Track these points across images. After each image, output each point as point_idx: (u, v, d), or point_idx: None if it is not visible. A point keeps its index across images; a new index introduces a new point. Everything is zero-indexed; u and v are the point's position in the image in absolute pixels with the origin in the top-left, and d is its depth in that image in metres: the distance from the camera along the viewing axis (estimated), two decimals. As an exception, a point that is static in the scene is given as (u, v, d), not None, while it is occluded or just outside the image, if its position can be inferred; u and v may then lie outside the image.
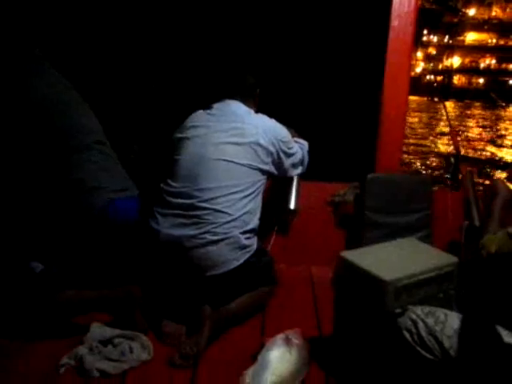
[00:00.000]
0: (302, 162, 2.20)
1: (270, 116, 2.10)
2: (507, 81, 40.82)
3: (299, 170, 2.21)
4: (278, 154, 2.01)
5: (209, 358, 1.71)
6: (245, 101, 2.06)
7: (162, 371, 1.64)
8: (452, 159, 2.55)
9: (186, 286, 1.86)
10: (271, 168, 2.00)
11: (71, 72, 1.94)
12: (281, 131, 2.06)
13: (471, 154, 12.91)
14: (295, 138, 2.19)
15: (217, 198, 1.83)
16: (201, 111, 2.07)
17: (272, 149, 1.97)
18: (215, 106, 2.05)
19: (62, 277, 1.78)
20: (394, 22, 2.40)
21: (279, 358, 1.64)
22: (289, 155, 2.07)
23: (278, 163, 2.03)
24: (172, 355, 1.69)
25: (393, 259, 1.65)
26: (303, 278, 2.39)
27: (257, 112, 2.11)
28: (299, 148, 2.17)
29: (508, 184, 1.71)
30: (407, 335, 1.31)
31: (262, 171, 1.96)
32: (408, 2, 2.37)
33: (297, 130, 2.31)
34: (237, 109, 2.01)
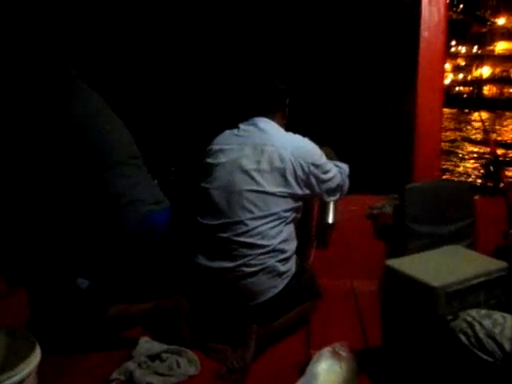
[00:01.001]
0: (340, 188, 2.07)
1: (302, 132, 2.03)
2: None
3: (337, 197, 2.08)
4: (309, 179, 1.90)
5: (256, 371, 1.73)
6: (273, 115, 2.00)
7: (209, 385, 1.64)
8: (491, 167, 2.50)
9: (229, 314, 1.87)
10: (305, 191, 1.91)
11: (110, 94, 2.00)
12: (312, 153, 1.94)
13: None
14: (335, 162, 2.09)
15: (249, 231, 1.80)
16: (228, 132, 2.03)
17: (300, 173, 1.87)
18: (242, 126, 2.00)
19: (108, 291, 1.81)
20: (424, 33, 2.41)
21: (327, 370, 1.62)
22: (322, 180, 1.95)
23: (310, 188, 1.93)
24: (219, 370, 1.71)
25: (440, 266, 1.64)
26: (345, 291, 2.38)
27: (286, 123, 2.07)
28: (338, 172, 2.04)
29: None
30: (463, 338, 1.28)
31: (295, 197, 1.89)
32: (438, 11, 2.38)
33: (332, 144, 2.28)
34: (265, 128, 1.94)
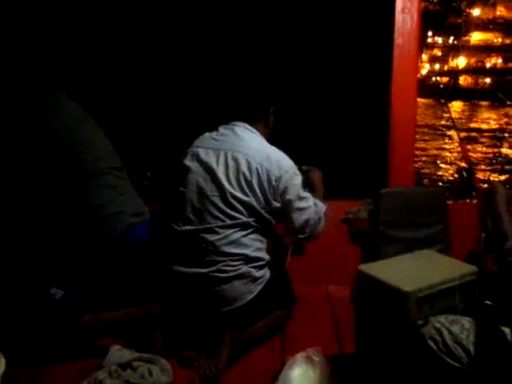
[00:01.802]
0: (309, 227, 1.95)
1: (277, 141, 1.95)
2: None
3: (304, 234, 1.96)
4: (275, 194, 1.84)
5: (229, 379, 1.72)
6: (254, 122, 1.96)
7: (182, 394, 1.61)
8: (464, 173, 2.53)
9: (203, 319, 1.86)
10: (273, 205, 1.84)
11: (84, 98, 1.97)
12: (283, 168, 1.85)
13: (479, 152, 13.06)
14: (315, 200, 2.00)
15: (221, 239, 1.79)
16: (207, 134, 2.00)
17: (266, 186, 1.82)
18: (221, 129, 1.97)
19: (81, 302, 1.77)
20: (398, 40, 2.44)
21: (301, 376, 1.63)
22: (290, 204, 1.87)
23: (277, 205, 1.86)
24: (192, 378, 1.69)
25: (412, 270, 1.65)
26: (320, 297, 2.38)
27: (270, 132, 2.03)
28: (313, 207, 1.95)
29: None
30: (432, 344, 1.29)
31: (264, 208, 1.84)
32: (411, 19, 2.42)
33: (305, 148, 2.27)
34: (241, 134, 1.91)
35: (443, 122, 19.00)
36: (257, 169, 1.82)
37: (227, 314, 1.82)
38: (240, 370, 1.76)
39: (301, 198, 1.90)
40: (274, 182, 1.83)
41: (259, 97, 1.99)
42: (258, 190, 1.82)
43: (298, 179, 1.91)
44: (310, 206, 1.94)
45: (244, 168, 1.82)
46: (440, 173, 11.17)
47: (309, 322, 2.12)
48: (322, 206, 2.01)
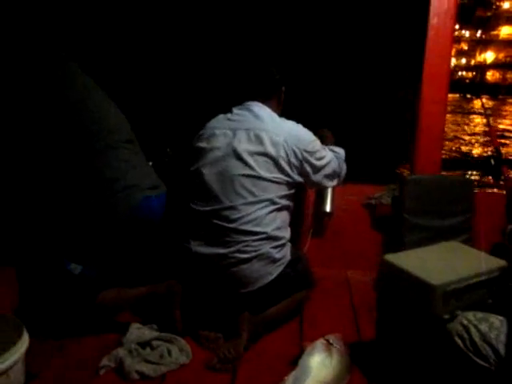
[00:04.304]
0: (338, 174, 2.06)
1: (300, 118, 1.98)
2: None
3: (335, 182, 2.07)
4: (302, 165, 1.88)
5: (247, 362, 1.70)
6: (268, 102, 1.96)
7: (200, 375, 1.64)
8: (492, 161, 2.46)
9: (222, 300, 1.84)
10: (298, 179, 1.89)
11: (105, 75, 1.94)
12: (306, 140, 1.91)
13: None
14: (331, 147, 2.08)
15: (243, 217, 1.77)
16: (221, 116, 1.99)
17: (294, 160, 1.85)
18: (236, 110, 1.96)
19: (101, 276, 1.77)
20: (433, 20, 2.34)
21: (320, 363, 1.61)
22: (317, 166, 1.93)
23: (305, 174, 1.91)
24: (210, 359, 1.68)
25: (439, 262, 1.61)
26: (339, 281, 2.35)
27: (281, 112, 2.01)
28: (334, 157, 2.03)
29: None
30: (459, 341, 1.26)
31: (288, 183, 1.86)
32: None
33: (331, 131, 2.24)
34: (258, 113, 1.91)
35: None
36: (284, 146, 1.83)
37: (246, 296, 1.80)
38: (258, 353, 1.75)
39: (321, 158, 1.94)
40: (300, 156, 1.86)
41: (272, 77, 2.00)
42: (285, 165, 1.83)
43: (317, 144, 1.96)
44: (331, 159, 2.00)
45: (270, 146, 1.82)
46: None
47: (327, 306, 2.10)
48: (339, 150, 2.10)
